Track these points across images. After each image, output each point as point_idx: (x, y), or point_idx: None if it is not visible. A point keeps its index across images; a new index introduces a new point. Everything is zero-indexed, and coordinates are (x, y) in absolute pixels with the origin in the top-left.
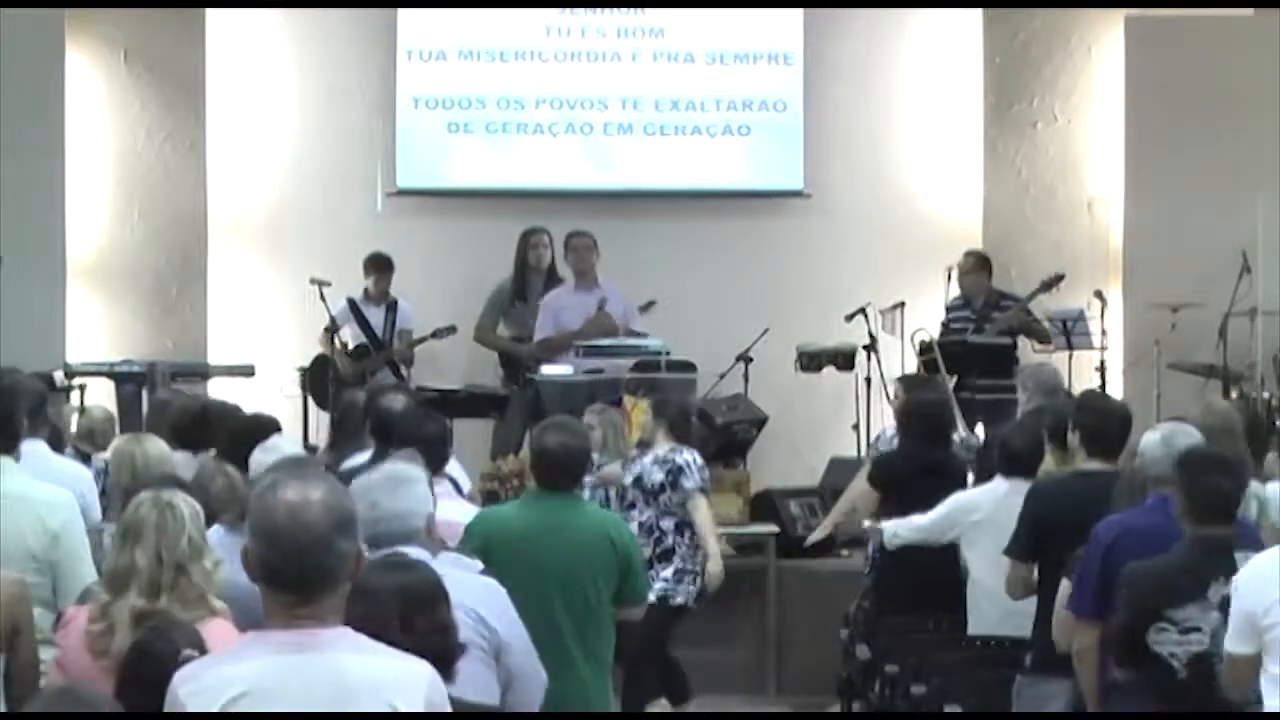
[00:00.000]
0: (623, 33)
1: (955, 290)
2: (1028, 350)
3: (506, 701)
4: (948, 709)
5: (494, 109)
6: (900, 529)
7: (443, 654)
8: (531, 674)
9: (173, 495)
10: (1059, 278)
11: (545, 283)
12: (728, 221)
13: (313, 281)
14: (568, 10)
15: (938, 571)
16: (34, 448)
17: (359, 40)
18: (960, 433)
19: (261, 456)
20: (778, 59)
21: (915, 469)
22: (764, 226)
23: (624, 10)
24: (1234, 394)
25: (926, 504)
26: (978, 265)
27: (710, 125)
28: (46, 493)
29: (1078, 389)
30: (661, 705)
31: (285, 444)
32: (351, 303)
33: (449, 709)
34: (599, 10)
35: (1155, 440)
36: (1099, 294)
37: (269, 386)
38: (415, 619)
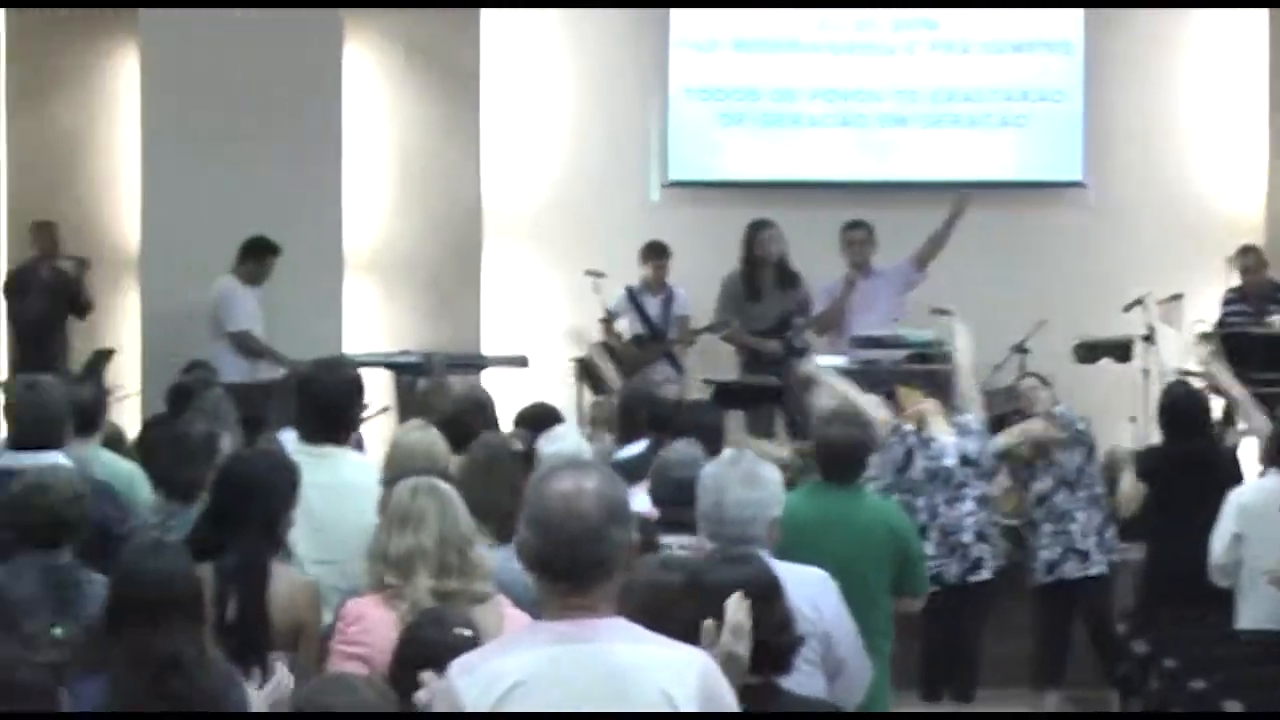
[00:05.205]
0: (898, 25)
1: (1234, 282)
2: None
3: (833, 690)
4: (1227, 706)
5: (767, 101)
6: (1217, 564)
7: (783, 647)
8: (858, 665)
9: (440, 482)
10: None
11: (777, 277)
12: (1004, 212)
13: (588, 273)
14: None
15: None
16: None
17: (632, 31)
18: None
19: (546, 447)
20: (1056, 48)
21: (1174, 463)
22: (1041, 217)
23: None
24: None
25: (1189, 498)
26: (1260, 263)
27: (987, 116)
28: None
29: None
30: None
31: (571, 434)
32: (630, 291)
33: (725, 697)
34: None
35: None
36: None
37: (542, 377)
38: (766, 612)
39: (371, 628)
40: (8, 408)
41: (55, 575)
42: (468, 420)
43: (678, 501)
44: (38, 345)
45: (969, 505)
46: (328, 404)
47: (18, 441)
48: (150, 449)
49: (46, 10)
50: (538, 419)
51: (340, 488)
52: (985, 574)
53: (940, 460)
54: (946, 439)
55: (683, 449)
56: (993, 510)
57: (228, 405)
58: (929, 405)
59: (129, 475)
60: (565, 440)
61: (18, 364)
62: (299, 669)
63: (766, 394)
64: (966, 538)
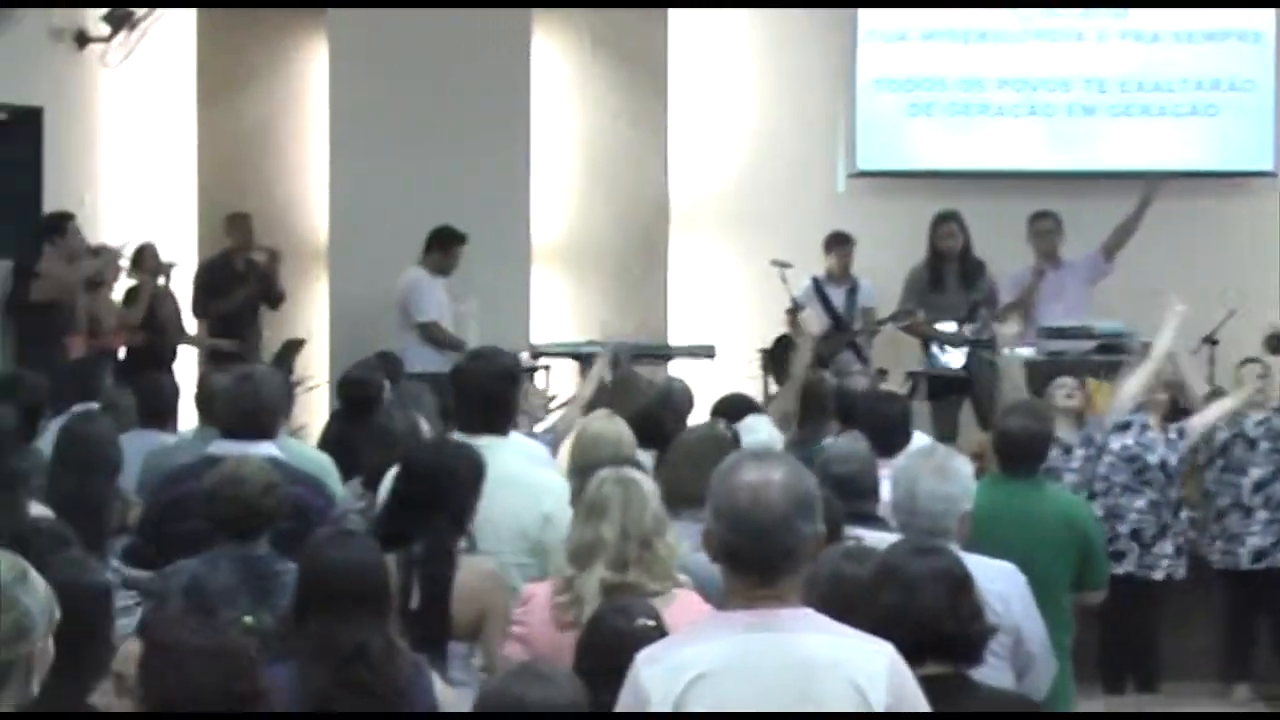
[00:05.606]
0: (1086, 13)
1: None
2: None
3: (1021, 686)
4: None
5: (955, 91)
6: None
7: (974, 638)
8: (1045, 661)
9: (633, 473)
10: None
11: (961, 268)
12: (1193, 202)
13: (774, 263)
14: None
15: None
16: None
17: (819, 21)
18: None
19: (745, 438)
20: (1247, 38)
21: None
22: (1230, 207)
23: None
24: None
25: None
26: None
27: (1176, 105)
28: (540, 476)
29: None
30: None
31: (763, 425)
32: (816, 282)
33: (914, 690)
34: None
35: None
36: None
37: (729, 368)
38: (960, 603)
39: (533, 609)
40: (223, 397)
41: (251, 566)
42: (659, 415)
43: (837, 497)
44: (234, 336)
45: (1141, 503)
46: (483, 394)
47: (231, 430)
48: (345, 438)
49: (236, 9)
50: (733, 409)
51: (498, 480)
52: (1120, 570)
53: (1144, 452)
54: (1159, 437)
55: (843, 444)
56: (1165, 513)
57: (428, 396)
58: (1162, 401)
59: (320, 464)
60: (758, 431)
61: (216, 355)
62: (485, 657)
63: (954, 385)
64: (1122, 528)
